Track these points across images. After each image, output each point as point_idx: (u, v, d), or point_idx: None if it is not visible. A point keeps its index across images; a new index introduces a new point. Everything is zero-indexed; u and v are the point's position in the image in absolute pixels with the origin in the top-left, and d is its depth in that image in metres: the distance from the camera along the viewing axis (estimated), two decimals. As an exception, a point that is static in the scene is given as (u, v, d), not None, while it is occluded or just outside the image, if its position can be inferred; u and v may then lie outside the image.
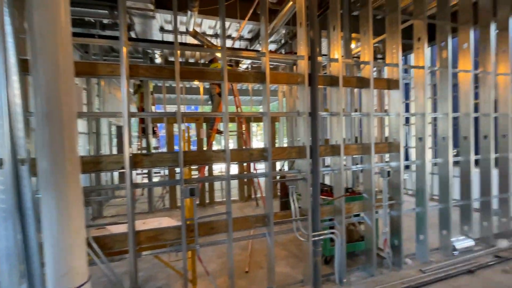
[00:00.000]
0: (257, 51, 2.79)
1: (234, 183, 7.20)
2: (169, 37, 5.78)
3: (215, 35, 5.80)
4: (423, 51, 3.38)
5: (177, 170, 4.56)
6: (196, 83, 8.48)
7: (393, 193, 3.32)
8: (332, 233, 2.97)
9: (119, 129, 8.11)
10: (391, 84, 3.29)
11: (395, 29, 3.21)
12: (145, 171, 6.81)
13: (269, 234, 2.67)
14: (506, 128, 3.90)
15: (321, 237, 2.83)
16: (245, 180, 6.66)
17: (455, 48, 3.79)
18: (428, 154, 3.50)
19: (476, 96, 3.91)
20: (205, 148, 5.79)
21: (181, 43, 4.65)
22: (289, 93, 6.02)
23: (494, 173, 3.88)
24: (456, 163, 3.68)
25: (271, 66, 5.73)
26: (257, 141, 14.69)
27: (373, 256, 3.12)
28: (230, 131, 6.64)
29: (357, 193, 3.41)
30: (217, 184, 6.73)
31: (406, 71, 6.12)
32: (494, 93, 3.91)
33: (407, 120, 6.40)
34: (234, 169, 10.96)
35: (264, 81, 2.60)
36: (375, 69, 5.57)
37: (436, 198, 3.67)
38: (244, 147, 5.52)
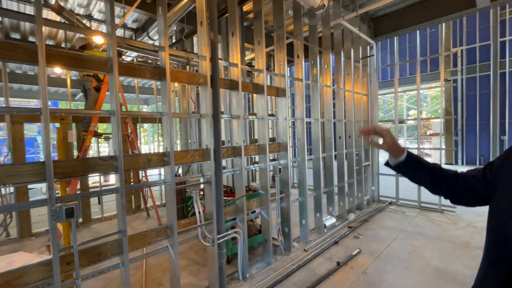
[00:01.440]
0: (153, 47, 2.49)
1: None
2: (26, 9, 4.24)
3: (89, 16, 4.75)
4: (302, 66, 4.05)
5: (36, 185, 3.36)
6: (57, 71, 6.65)
7: (282, 187, 3.79)
8: (235, 232, 3.06)
9: None
10: (280, 92, 3.75)
11: (282, 44, 3.69)
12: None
13: (173, 246, 2.44)
14: (351, 131, 5.27)
15: (226, 238, 2.86)
16: (123, 194, 5.82)
17: (321, 66, 4.78)
18: (306, 152, 4.23)
19: (334, 105, 5.08)
20: (76, 155, 4.64)
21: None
22: (182, 93, 5.74)
23: (345, 164, 5.17)
24: (323, 158, 4.63)
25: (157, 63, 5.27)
26: (143, 145, 13.21)
27: (269, 246, 3.45)
28: (110, 134, 5.63)
29: (253, 190, 3.68)
30: (92, 199, 5.52)
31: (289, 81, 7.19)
32: (343, 104, 5.20)
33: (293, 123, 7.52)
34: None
35: (163, 78, 2.35)
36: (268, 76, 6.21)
37: (311, 188, 4.49)
38: (131, 152, 4.80)
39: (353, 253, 3.57)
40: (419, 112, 6.01)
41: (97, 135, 4.63)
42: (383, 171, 6.24)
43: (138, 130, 6.10)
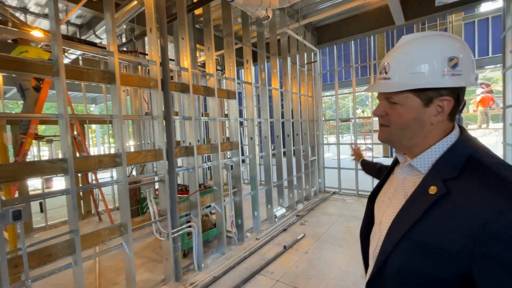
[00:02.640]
0: (102, 47, 2.55)
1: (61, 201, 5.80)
2: None
3: (23, 9, 4.40)
4: (250, 70, 4.39)
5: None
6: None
7: (235, 183, 4.09)
8: (190, 226, 3.26)
9: None
10: (230, 94, 4.04)
11: (231, 50, 3.97)
12: None
13: (127, 243, 2.56)
14: (298, 129, 5.81)
15: (180, 232, 3.05)
16: (81, 194, 5.54)
17: (269, 70, 5.19)
18: (257, 149, 4.60)
19: (282, 106, 5.55)
20: (12, 159, 4.29)
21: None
22: (134, 94, 5.64)
23: (294, 160, 5.70)
24: (273, 155, 5.07)
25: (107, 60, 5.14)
26: (91, 147, 12.27)
27: (223, 238, 3.73)
28: (54, 136, 5.29)
29: (208, 187, 3.91)
30: (34, 206, 5.11)
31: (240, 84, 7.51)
32: (291, 105, 5.72)
33: (241, 122, 7.85)
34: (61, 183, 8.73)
35: (113, 82, 2.44)
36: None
37: (263, 182, 4.89)
38: (79, 155, 4.60)
39: (298, 238, 4.05)
40: (355, 112, 6.87)
41: (38, 137, 4.35)
42: (328, 165, 6.98)
43: (86, 132, 5.81)
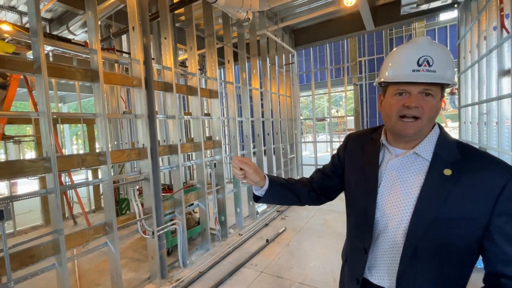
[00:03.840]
0: (81, 44, 2.52)
1: (32, 204, 5.47)
2: None
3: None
4: (232, 70, 4.49)
5: None
6: None
7: (218, 180, 4.17)
8: (174, 224, 3.30)
9: None
10: (212, 93, 4.11)
11: (213, 50, 4.04)
12: None
13: (113, 242, 2.55)
14: (278, 128, 6.01)
15: (166, 229, 3.09)
16: (57, 195, 5.26)
17: (249, 71, 5.32)
18: (238, 148, 4.71)
19: (262, 106, 5.71)
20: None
21: None
22: (111, 92, 5.48)
23: (274, 158, 5.89)
24: (254, 153, 5.21)
25: (80, 57, 4.96)
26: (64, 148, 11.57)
27: (207, 235, 3.80)
28: (24, 136, 5.00)
29: (191, 185, 3.95)
30: None
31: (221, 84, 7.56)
32: (271, 104, 5.90)
33: (223, 121, 7.91)
34: (27, 186, 8.15)
35: (96, 81, 2.42)
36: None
37: (244, 180, 5.00)
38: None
39: (280, 231, 4.23)
40: (330, 111, 7.22)
41: (6, 138, 4.10)
42: (306, 162, 7.27)
43: (57, 132, 5.53)
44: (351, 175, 1.02)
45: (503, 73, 3.19)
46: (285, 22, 5.51)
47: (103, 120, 2.46)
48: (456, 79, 0.82)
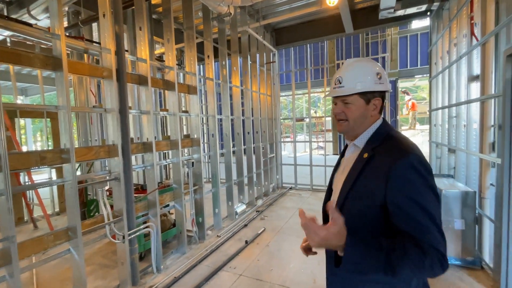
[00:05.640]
0: (43, 29, 2.25)
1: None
2: None
3: None
4: (212, 66, 4.33)
5: None
6: None
7: (196, 180, 4.00)
8: (148, 226, 3.09)
9: None
10: (191, 89, 3.93)
11: (192, 44, 3.86)
12: None
13: (76, 249, 2.31)
14: (258, 127, 5.94)
15: (138, 233, 2.88)
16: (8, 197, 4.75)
17: (230, 68, 5.19)
18: (218, 147, 4.57)
19: (243, 104, 5.60)
20: None
21: None
22: (79, 85, 5.07)
23: (254, 157, 5.81)
24: (233, 152, 5.09)
25: (44, 45, 4.55)
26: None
27: (183, 237, 3.62)
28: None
29: (166, 185, 3.75)
30: None
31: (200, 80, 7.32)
32: (251, 103, 5.81)
33: (202, 119, 7.67)
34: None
35: (59, 69, 2.17)
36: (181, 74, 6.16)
37: (223, 180, 4.88)
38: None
39: (259, 232, 4.16)
40: (310, 112, 7.31)
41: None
42: (285, 162, 7.27)
43: (16, 127, 5.01)
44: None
45: (472, 78, 3.37)
46: (266, 20, 5.45)
47: (67, 113, 2.22)
48: (384, 87, 1.02)
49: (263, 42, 5.90)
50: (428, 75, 5.83)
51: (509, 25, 2.30)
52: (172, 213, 4.14)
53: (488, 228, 2.98)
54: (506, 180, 2.34)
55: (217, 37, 4.76)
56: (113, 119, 2.65)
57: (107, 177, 2.74)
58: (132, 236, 2.81)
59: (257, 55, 5.96)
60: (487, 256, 2.99)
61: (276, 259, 3.38)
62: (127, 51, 3.97)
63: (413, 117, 12.63)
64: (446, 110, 4.42)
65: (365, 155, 0.95)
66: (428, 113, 5.67)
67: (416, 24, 12.76)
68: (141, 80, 3.07)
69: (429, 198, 0.83)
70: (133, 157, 3.61)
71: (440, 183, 3.59)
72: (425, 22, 12.46)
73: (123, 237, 2.71)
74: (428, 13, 5.26)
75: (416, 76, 12.86)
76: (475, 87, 3.33)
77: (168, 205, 3.70)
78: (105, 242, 3.94)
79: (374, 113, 1.00)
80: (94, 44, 3.53)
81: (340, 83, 1.01)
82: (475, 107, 3.28)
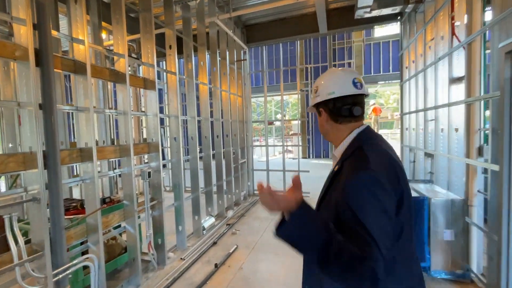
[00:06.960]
0: None
1: None
2: None
3: None
4: (175, 58, 3.71)
5: None
6: None
7: (154, 193, 3.32)
8: (86, 258, 2.36)
9: None
10: (148, 84, 3.26)
11: (149, 29, 3.21)
12: None
13: (-40, 308, 1.54)
14: (228, 130, 5.40)
15: (69, 271, 2.14)
16: None
17: (197, 63, 4.59)
18: (181, 152, 3.92)
19: (211, 105, 5.02)
20: None
21: None
22: (4, 74, 4.03)
23: (223, 163, 5.24)
24: (200, 158, 4.48)
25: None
26: None
27: (137, 265, 2.92)
28: None
29: (117, 202, 3.01)
30: None
31: (159, 76, 6.54)
32: (221, 104, 5.25)
33: (162, 121, 6.86)
34: None
35: None
36: (130, 68, 5.33)
37: (189, 189, 4.23)
38: None
39: (231, 251, 3.60)
40: (283, 115, 6.98)
41: None
42: (257, 167, 6.81)
43: None
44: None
45: (453, 80, 3.25)
46: (237, 12, 4.97)
47: None
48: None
49: (233, 37, 5.40)
50: (391, 81, 5.90)
51: (505, 19, 2.12)
52: (124, 234, 3.39)
53: (476, 237, 2.82)
54: (506, 188, 2.14)
55: (181, 28, 4.15)
56: (31, 116, 1.92)
57: (23, 197, 1.98)
58: (61, 276, 2.07)
59: (227, 52, 5.45)
60: (475, 266, 2.82)
61: (252, 285, 2.87)
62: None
63: (375, 121, 13.16)
64: (421, 113, 4.35)
65: (336, 168, 0.98)
66: (390, 117, 5.67)
67: (379, 32, 13.38)
68: (78, 68, 2.36)
69: (373, 215, 0.80)
70: (66, 168, 2.84)
71: (419, 188, 3.42)
72: (388, 31, 13.10)
73: (46, 279, 1.97)
74: (399, 18, 5.27)
75: (379, 82, 13.43)
76: (456, 89, 3.21)
77: (119, 226, 2.98)
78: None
79: (330, 124, 1.04)
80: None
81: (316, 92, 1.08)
82: (456, 110, 3.16)
